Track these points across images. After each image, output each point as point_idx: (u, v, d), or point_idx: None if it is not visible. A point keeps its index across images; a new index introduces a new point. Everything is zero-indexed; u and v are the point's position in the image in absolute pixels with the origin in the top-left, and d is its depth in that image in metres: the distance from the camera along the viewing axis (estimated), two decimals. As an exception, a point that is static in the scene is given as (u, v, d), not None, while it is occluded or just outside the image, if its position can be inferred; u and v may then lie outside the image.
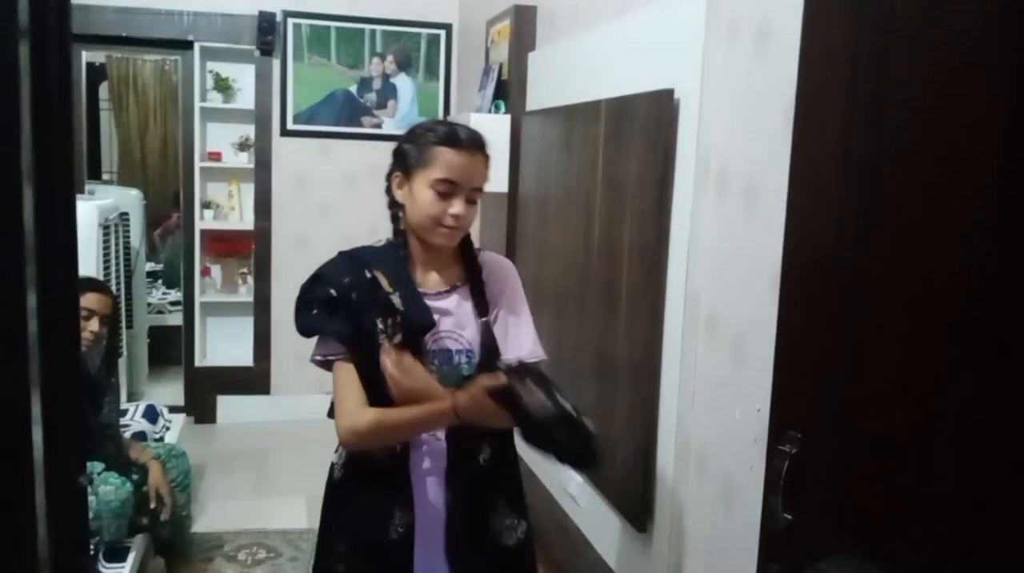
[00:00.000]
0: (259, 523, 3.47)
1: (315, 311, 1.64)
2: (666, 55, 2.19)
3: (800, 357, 1.27)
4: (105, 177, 8.03)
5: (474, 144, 1.62)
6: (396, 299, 1.61)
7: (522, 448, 1.66)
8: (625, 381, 2.35)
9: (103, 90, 8.03)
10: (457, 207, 1.59)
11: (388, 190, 1.71)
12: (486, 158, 1.65)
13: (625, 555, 2.41)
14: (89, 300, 2.60)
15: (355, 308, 1.61)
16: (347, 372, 1.62)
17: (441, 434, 1.67)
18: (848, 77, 1.18)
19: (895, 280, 1.14)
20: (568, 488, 2.85)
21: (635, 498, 2.26)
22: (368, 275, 1.63)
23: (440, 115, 4.76)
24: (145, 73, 7.96)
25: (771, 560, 1.30)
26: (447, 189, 1.59)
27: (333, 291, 1.63)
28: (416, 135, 1.65)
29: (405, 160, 1.65)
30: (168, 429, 3.61)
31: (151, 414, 3.51)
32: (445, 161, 1.58)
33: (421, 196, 1.60)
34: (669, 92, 2.12)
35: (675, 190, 2.13)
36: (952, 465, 1.10)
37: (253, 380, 4.73)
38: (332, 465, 1.78)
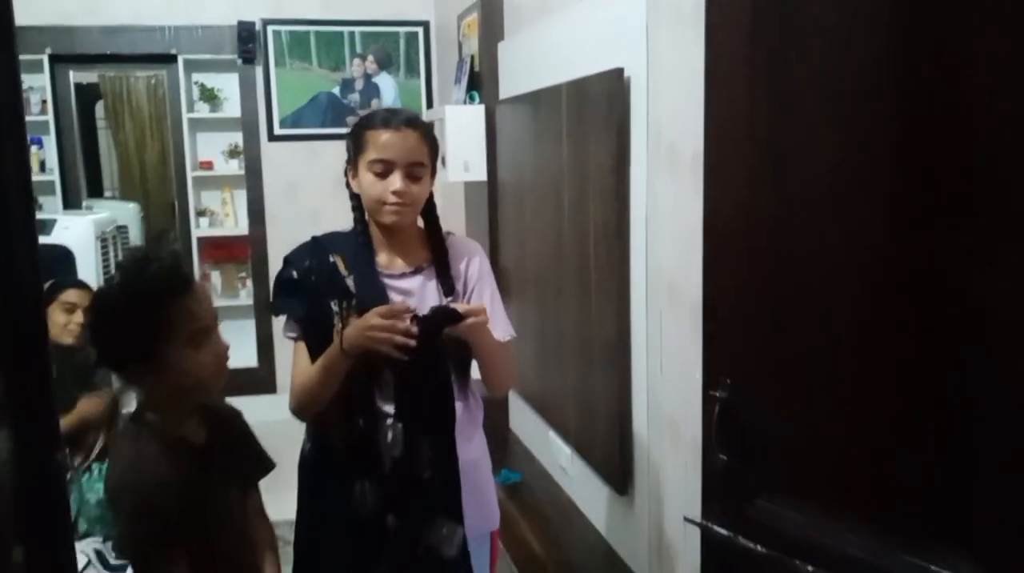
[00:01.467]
0: (270, 515, 3.58)
1: (280, 293, 1.75)
2: (616, 37, 2.28)
3: (728, 310, 1.36)
4: (107, 194, 8.14)
5: (402, 122, 1.70)
6: (350, 282, 1.71)
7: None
8: (602, 356, 2.44)
9: (99, 109, 8.14)
10: (396, 183, 1.68)
11: (347, 185, 1.81)
12: (420, 134, 1.72)
13: (611, 518, 2.51)
14: (71, 295, 2.85)
15: (313, 291, 1.72)
16: (299, 351, 1.76)
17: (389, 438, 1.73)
18: (749, 53, 1.27)
19: (809, 238, 1.23)
20: (559, 461, 2.94)
21: (615, 465, 2.36)
22: (330, 259, 1.73)
23: (423, 110, 4.85)
24: (138, 89, 8.06)
25: (713, 500, 1.39)
26: (382, 168, 1.68)
27: (295, 274, 1.74)
28: (354, 127, 1.75)
29: (350, 152, 1.75)
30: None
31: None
32: (375, 143, 1.68)
33: (364, 180, 1.70)
34: (619, 72, 2.20)
35: (632, 167, 2.22)
36: (864, 408, 1.19)
37: (259, 380, 4.85)
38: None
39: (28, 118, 4.55)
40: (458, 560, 1.71)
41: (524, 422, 3.48)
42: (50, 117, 4.58)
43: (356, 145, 1.73)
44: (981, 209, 0.99)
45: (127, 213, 5.23)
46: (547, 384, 3.03)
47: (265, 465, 1.67)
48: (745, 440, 1.32)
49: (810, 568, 1.21)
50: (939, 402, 1.08)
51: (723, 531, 1.35)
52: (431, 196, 1.81)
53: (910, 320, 1.09)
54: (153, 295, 1.39)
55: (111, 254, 4.35)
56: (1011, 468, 0.99)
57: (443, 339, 1.66)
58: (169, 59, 4.61)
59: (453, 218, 4.65)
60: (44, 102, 4.58)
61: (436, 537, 1.71)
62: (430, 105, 4.89)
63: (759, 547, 1.28)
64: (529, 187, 3.07)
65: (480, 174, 3.46)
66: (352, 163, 1.76)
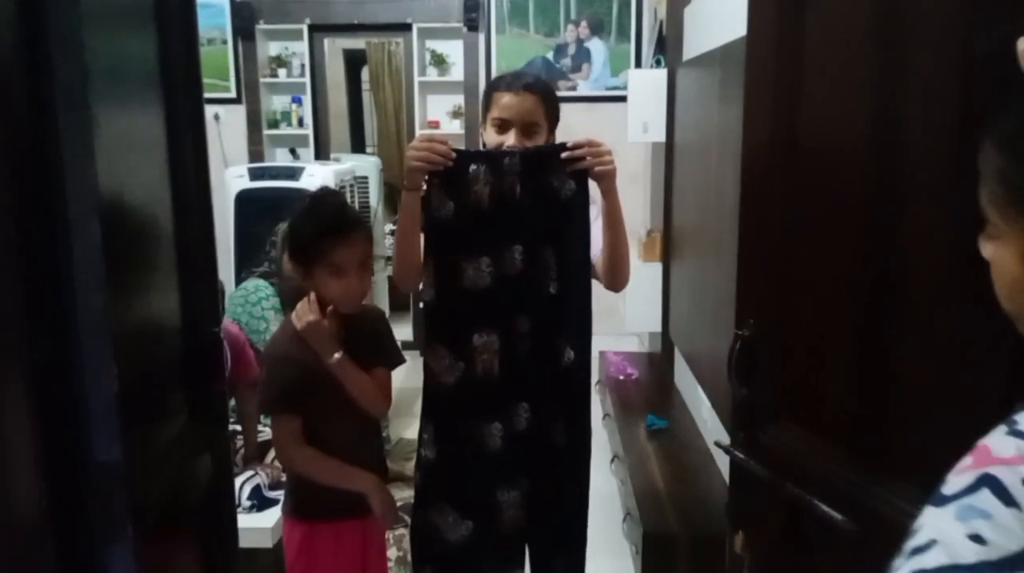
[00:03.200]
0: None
1: None
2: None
3: (755, 257, 1.47)
4: (368, 150, 9.11)
5: (522, 86, 1.90)
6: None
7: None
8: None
9: (364, 73, 9.09)
10: (510, 139, 1.89)
11: (481, 136, 2.07)
12: (537, 98, 1.90)
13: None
14: None
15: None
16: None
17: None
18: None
19: (821, 196, 1.32)
20: (701, 412, 3.07)
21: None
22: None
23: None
24: (398, 55, 8.92)
25: (737, 428, 1.52)
26: (501, 124, 1.90)
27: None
28: (486, 88, 2.00)
29: (482, 109, 2.00)
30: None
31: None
32: (498, 103, 1.90)
33: (488, 133, 1.95)
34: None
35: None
36: (865, 352, 1.28)
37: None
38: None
39: (289, 79, 5.35)
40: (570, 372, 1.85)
41: (683, 375, 3.61)
42: (307, 79, 5.32)
43: (485, 104, 1.98)
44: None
45: (369, 166, 5.95)
46: (698, 339, 3.14)
47: (394, 359, 1.98)
48: (759, 374, 1.44)
49: (796, 490, 1.32)
50: (896, 353, 1.15)
51: (740, 455, 1.48)
52: None
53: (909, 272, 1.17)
54: (315, 226, 1.78)
55: (349, 201, 5.02)
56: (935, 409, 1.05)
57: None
58: (405, 27, 5.16)
59: (640, 177, 4.80)
60: (303, 66, 5.33)
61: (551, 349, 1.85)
62: (639, 68, 5.04)
63: (764, 469, 1.41)
64: (702, 147, 3.17)
65: (659, 135, 3.59)
66: (483, 118, 2.02)
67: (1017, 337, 0.70)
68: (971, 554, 0.50)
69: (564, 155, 1.78)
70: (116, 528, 1.13)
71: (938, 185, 1.10)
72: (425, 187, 1.80)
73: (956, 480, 0.55)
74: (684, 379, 3.63)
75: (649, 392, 3.75)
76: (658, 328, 4.10)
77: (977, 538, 0.51)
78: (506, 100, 1.89)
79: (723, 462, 2.74)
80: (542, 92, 1.93)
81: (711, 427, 2.97)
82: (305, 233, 1.79)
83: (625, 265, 1.92)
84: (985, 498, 0.52)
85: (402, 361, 2.00)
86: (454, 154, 1.77)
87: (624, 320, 4.07)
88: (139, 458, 1.23)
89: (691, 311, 3.28)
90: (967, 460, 0.56)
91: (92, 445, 1.14)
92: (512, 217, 1.80)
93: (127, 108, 1.34)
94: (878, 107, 1.23)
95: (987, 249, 0.69)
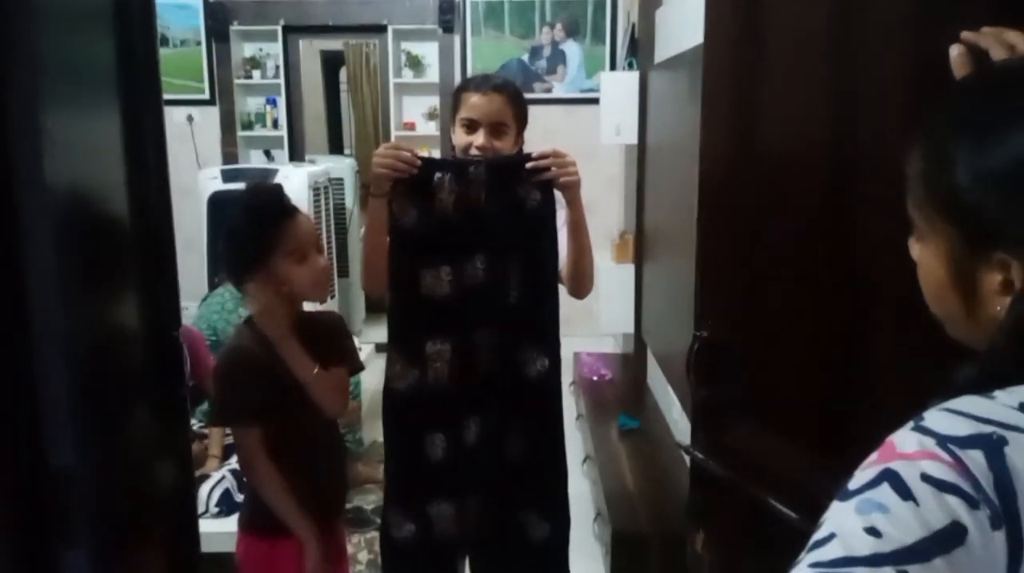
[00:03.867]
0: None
1: None
2: None
3: (714, 260, 1.49)
4: (346, 151, 9.07)
5: (490, 87, 1.90)
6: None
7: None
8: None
9: (342, 75, 9.06)
10: (479, 139, 1.89)
11: (451, 136, 2.07)
12: (505, 98, 1.90)
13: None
14: None
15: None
16: None
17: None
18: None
19: (778, 200, 1.34)
20: (672, 413, 3.09)
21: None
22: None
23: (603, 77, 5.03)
24: (376, 56, 8.90)
25: (698, 429, 1.53)
26: (469, 124, 1.90)
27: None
28: (455, 89, 2.01)
29: (451, 109, 2.00)
30: (359, 351, 4.28)
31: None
32: (466, 103, 1.91)
33: (456, 133, 1.95)
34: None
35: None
36: (823, 352, 1.30)
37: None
38: None
39: (264, 81, 5.33)
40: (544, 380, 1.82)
41: (655, 376, 3.63)
42: (281, 80, 5.30)
43: (454, 105, 1.99)
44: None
45: (344, 167, 5.93)
46: (669, 339, 3.17)
47: (353, 364, 1.98)
48: (719, 374, 1.45)
49: (756, 490, 1.34)
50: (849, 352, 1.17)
51: (699, 455, 1.50)
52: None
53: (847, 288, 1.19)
54: (262, 215, 1.76)
55: (323, 203, 5.01)
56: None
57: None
58: (380, 29, 5.16)
59: (616, 179, 4.82)
60: (278, 67, 5.31)
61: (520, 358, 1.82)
62: (614, 70, 5.07)
63: (724, 469, 1.42)
64: (672, 150, 3.19)
65: (631, 137, 3.62)
66: (452, 119, 2.02)
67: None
68: (865, 547, 0.52)
69: (529, 165, 1.78)
70: (74, 533, 1.12)
71: (894, 187, 1.12)
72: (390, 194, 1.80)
73: (861, 475, 0.57)
74: (656, 380, 3.66)
75: (622, 393, 3.77)
76: (631, 329, 4.12)
77: (873, 531, 0.52)
78: (474, 100, 1.90)
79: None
80: (510, 93, 1.93)
81: (682, 428, 2.99)
82: (256, 229, 1.76)
83: (588, 275, 1.93)
84: (884, 492, 0.54)
85: (361, 367, 2.00)
86: (419, 162, 1.76)
87: (598, 321, 4.10)
88: (98, 462, 1.22)
89: (662, 312, 3.30)
90: (873, 456, 0.58)
91: (49, 449, 1.14)
92: (476, 226, 1.78)
93: (83, 109, 1.33)
94: (834, 112, 1.25)
95: (914, 251, 0.71)
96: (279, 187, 1.83)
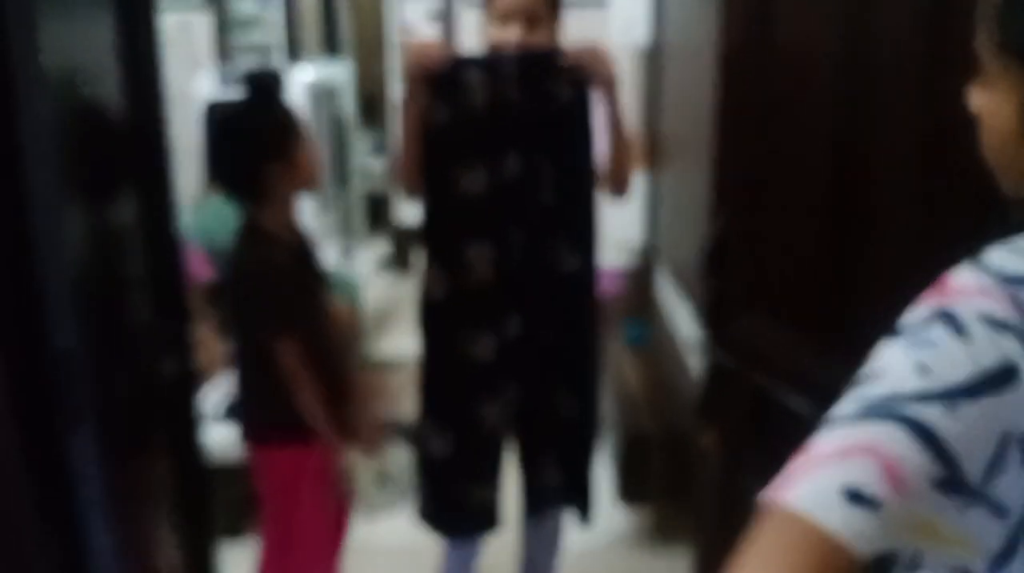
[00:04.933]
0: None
1: None
2: None
3: (730, 153, 1.45)
4: (342, 55, 8.78)
5: None
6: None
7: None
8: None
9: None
10: (513, 34, 1.78)
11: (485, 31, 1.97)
12: None
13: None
14: None
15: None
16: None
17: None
18: None
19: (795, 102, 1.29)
20: (683, 327, 3.08)
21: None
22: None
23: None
24: (377, -49, 8.52)
25: (710, 323, 1.51)
26: (502, 18, 1.79)
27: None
28: None
29: (483, 5, 1.88)
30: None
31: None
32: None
33: (489, 29, 1.83)
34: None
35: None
36: (830, 245, 1.26)
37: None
38: None
39: (260, -18, 5.13)
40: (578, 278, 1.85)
41: (663, 290, 3.61)
42: (278, -19, 5.10)
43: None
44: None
45: (343, 72, 5.78)
46: (682, 246, 3.13)
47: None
48: (730, 267, 1.43)
49: (763, 379, 1.32)
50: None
51: (711, 347, 1.48)
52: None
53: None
54: (275, 101, 1.72)
55: (322, 109, 4.88)
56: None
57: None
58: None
59: (627, 86, 4.69)
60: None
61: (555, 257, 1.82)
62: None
63: (733, 360, 1.41)
64: (685, 51, 3.08)
65: (642, 38, 3.50)
66: (485, 14, 1.89)
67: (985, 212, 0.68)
68: (913, 383, 0.50)
69: (564, 62, 1.72)
70: (78, 414, 1.11)
71: (906, 90, 1.12)
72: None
73: (914, 313, 0.54)
74: (663, 292, 3.64)
75: (629, 304, 3.76)
76: (638, 241, 4.07)
77: (922, 367, 0.50)
78: None
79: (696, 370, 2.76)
80: None
81: (689, 340, 2.98)
82: (273, 115, 1.71)
83: (628, 171, 1.89)
84: (936, 329, 0.51)
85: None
86: (449, 58, 1.71)
87: (604, 232, 4.03)
88: (99, 346, 1.21)
89: (676, 219, 3.25)
90: (929, 293, 0.55)
91: (51, 332, 1.12)
92: (508, 124, 1.75)
93: (79, 10, 1.29)
94: (851, 11, 1.21)
95: (978, 98, 0.66)
96: (277, 73, 1.77)
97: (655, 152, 3.77)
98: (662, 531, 2.60)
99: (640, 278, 4.14)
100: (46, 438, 1.12)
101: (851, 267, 1.23)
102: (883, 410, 0.49)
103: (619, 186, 1.89)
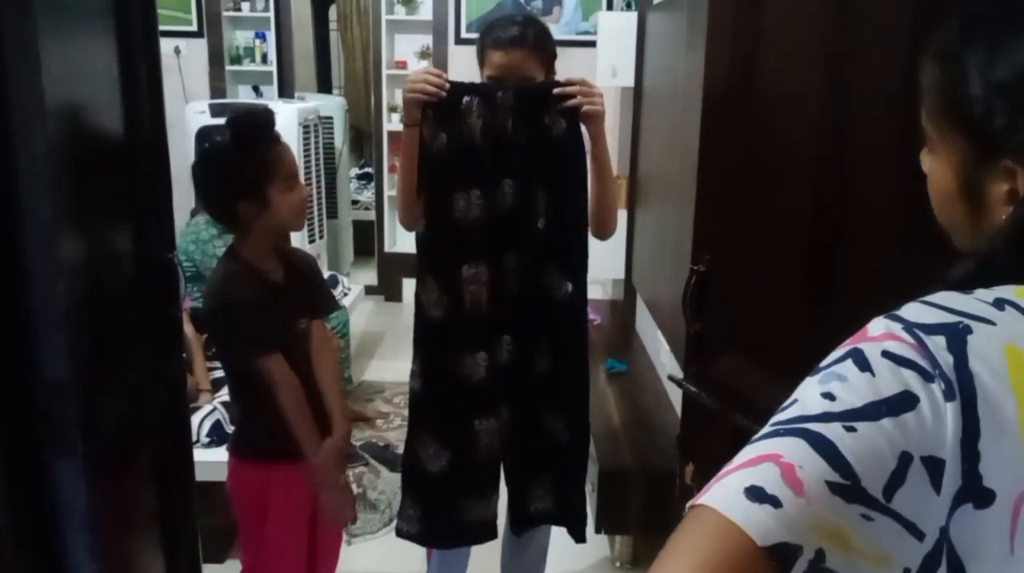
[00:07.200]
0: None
1: None
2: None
3: (713, 194, 1.49)
4: (335, 91, 8.92)
5: (508, 43, 1.82)
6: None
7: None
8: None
9: (332, 12, 8.86)
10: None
11: None
12: (526, 52, 1.83)
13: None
14: None
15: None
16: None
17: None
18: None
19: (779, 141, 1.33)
20: (660, 356, 3.11)
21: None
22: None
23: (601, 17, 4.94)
24: (367, -6, 8.68)
25: (690, 363, 1.55)
26: (495, 74, 1.84)
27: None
28: (478, 39, 1.92)
29: (478, 59, 1.93)
30: (346, 295, 4.28)
31: (332, 280, 4.18)
32: (490, 61, 1.85)
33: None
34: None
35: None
36: (813, 286, 1.30)
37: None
38: None
39: (253, 14, 5.20)
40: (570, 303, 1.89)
41: (644, 321, 3.65)
42: (271, 14, 5.17)
43: (479, 58, 1.92)
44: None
45: (335, 106, 5.84)
46: (659, 284, 3.18)
47: (330, 305, 1.99)
48: (712, 308, 1.46)
49: (744, 420, 1.35)
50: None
51: (691, 388, 1.51)
52: None
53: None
54: (256, 139, 1.73)
55: (312, 141, 4.94)
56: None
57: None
58: (373, -37, 5.03)
59: (611, 124, 4.77)
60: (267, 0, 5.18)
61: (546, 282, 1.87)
62: (611, 10, 4.98)
63: (714, 401, 1.44)
64: (668, 93, 3.15)
65: (627, 80, 3.57)
66: (479, 68, 1.93)
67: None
68: (819, 407, 0.55)
69: (556, 91, 1.79)
70: (66, 443, 1.12)
71: (888, 137, 1.15)
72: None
73: (831, 355, 0.60)
74: (645, 325, 3.68)
75: (610, 337, 3.79)
76: (621, 275, 4.13)
77: (828, 395, 0.55)
78: (496, 59, 1.85)
79: (678, 402, 2.79)
80: (532, 43, 1.86)
81: (669, 370, 3.02)
82: (250, 153, 1.72)
83: (612, 213, 1.94)
84: (846, 365, 0.57)
85: (337, 307, 2.00)
86: (448, 85, 1.77)
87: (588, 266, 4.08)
88: (90, 377, 1.22)
89: (653, 257, 3.30)
90: (847, 340, 0.60)
91: (42, 362, 1.14)
92: (504, 152, 1.80)
93: (80, 36, 1.31)
94: (832, 49, 1.25)
95: (925, 163, 0.72)
96: (270, 111, 1.80)
97: (635, 190, 3.83)
98: (639, 562, 2.60)
99: (622, 311, 4.19)
100: (31, 466, 1.13)
101: (830, 309, 1.27)
102: (788, 429, 0.54)
103: (604, 226, 1.94)
